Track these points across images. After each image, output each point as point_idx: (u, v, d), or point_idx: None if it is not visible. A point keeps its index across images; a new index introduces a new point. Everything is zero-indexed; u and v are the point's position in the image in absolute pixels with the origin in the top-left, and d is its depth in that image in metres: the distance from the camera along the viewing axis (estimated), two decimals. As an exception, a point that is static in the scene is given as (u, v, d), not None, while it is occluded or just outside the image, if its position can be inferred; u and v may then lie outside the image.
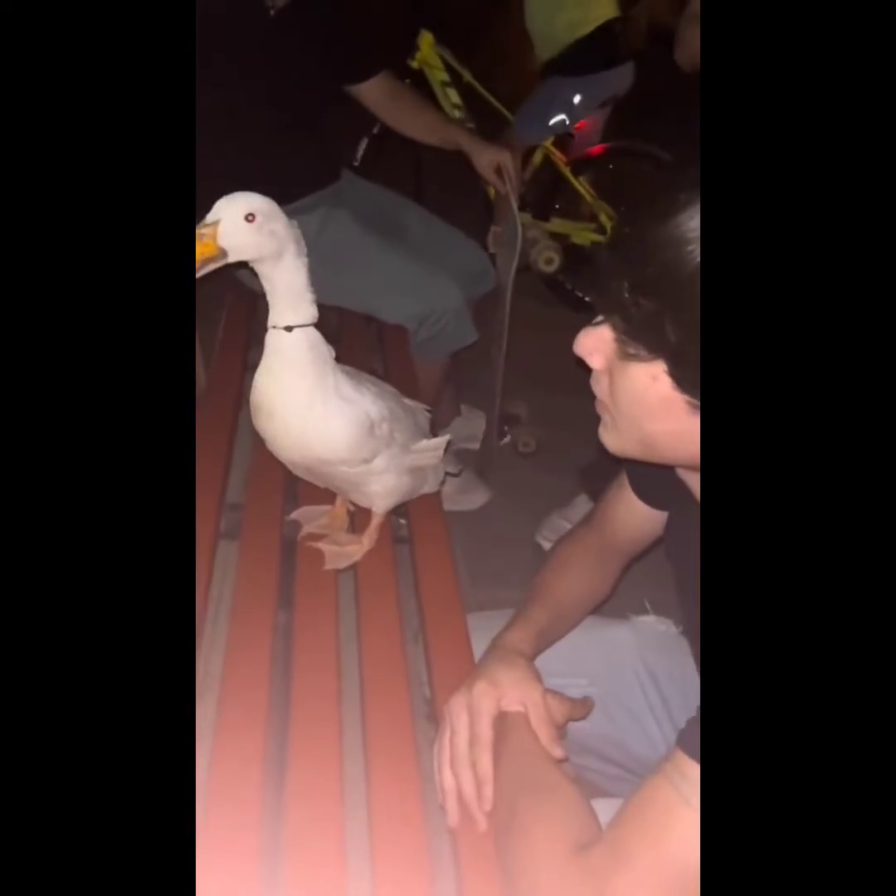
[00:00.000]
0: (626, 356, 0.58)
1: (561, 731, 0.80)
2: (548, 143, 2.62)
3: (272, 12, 1.48)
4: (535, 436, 2.10)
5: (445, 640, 0.89)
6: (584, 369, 0.64)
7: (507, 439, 2.10)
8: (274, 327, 0.82)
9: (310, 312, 0.83)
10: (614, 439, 0.66)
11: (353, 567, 0.97)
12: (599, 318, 0.61)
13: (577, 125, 2.58)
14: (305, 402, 0.83)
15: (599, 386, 0.63)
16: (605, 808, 0.63)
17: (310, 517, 1.03)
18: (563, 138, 2.63)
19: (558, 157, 2.62)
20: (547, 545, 1.81)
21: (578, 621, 0.91)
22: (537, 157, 2.66)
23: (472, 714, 0.72)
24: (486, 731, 0.71)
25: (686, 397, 0.56)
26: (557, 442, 2.09)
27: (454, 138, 1.72)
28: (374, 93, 1.71)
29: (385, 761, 0.76)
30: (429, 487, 1.04)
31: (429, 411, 1.06)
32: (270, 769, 0.75)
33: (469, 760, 0.70)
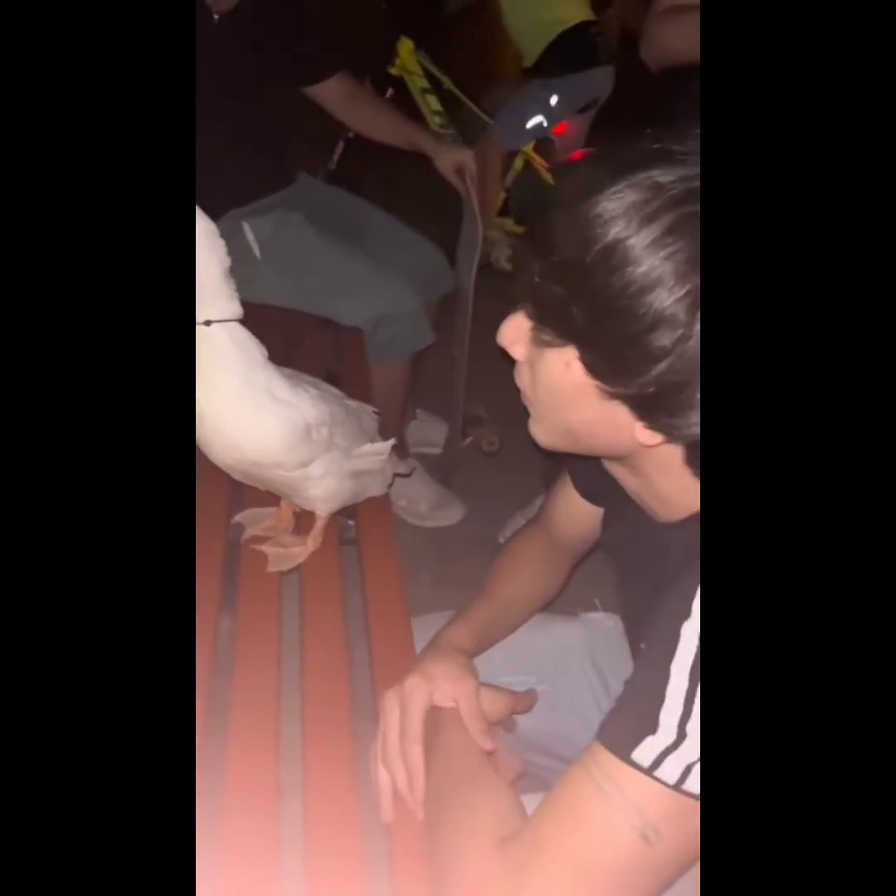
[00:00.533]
0: (541, 343, 0.58)
1: (507, 725, 0.80)
2: (528, 148, 2.62)
3: (216, 17, 1.48)
4: (499, 434, 2.10)
5: (390, 643, 0.89)
6: (510, 361, 0.64)
7: (468, 440, 2.09)
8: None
9: (230, 308, 0.80)
10: (541, 432, 0.66)
11: (298, 569, 0.96)
12: (518, 306, 0.61)
13: (556, 130, 2.57)
14: (235, 402, 0.81)
15: (521, 377, 0.63)
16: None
17: (254, 520, 1.02)
18: (544, 143, 2.63)
19: (539, 162, 2.62)
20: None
21: (525, 619, 0.91)
22: (518, 163, 2.67)
23: (403, 707, 0.72)
24: (416, 723, 0.71)
25: (598, 383, 0.56)
26: (519, 441, 2.09)
27: (415, 139, 1.72)
28: (330, 95, 1.71)
29: (322, 765, 0.76)
30: (376, 491, 1.03)
31: (376, 413, 1.06)
32: (208, 774, 0.75)
33: (400, 753, 0.70)
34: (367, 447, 0.96)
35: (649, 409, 0.55)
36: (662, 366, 0.51)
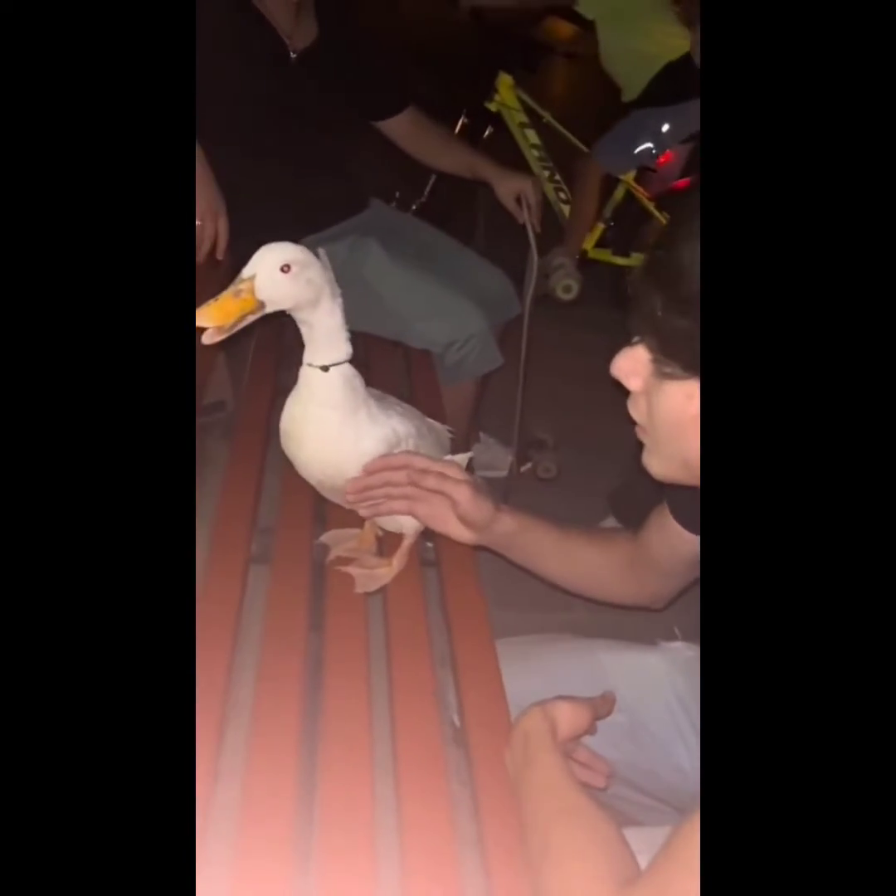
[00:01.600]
0: (661, 376, 0.59)
1: (590, 730, 0.79)
2: (629, 177, 2.61)
3: (293, 56, 1.53)
4: (556, 461, 2.10)
5: (474, 665, 0.89)
6: (622, 392, 0.65)
7: (528, 465, 2.10)
8: (310, 365, 0.84)
9: (345, 350, 0.85)
10: (656, 463, 0.66)
11: (383, 590, 0.98)
12: (636, 339, 0.62)
13: (659, 160, 2.56)
14: (336, 432, 0.85)
15: (637, 409, 0.64)
16: (634, 838, 0.63)
17: (338, 540, 1.04)
18: (644, 173, 2.62)
19: (641, 192, 2.62)
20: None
21: (564, 577, 0.94)
22: (619, 193, 2.66)
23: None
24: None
25: None
26: (580, 466, 2.09)
27: (477, 167, 1.75)
28: (399, 128, 1.75)
29: (415, 786, 0.77)
30: None
31: (451, 432, 1.07)
32: (302, 793, 0.76)
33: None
34: (449, 459, 0.98)
35: None
36: None
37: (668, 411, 0.60)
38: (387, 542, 1.04)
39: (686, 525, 0.86)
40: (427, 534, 1.09)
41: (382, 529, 1.03)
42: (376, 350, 1.59)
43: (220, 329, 0.74)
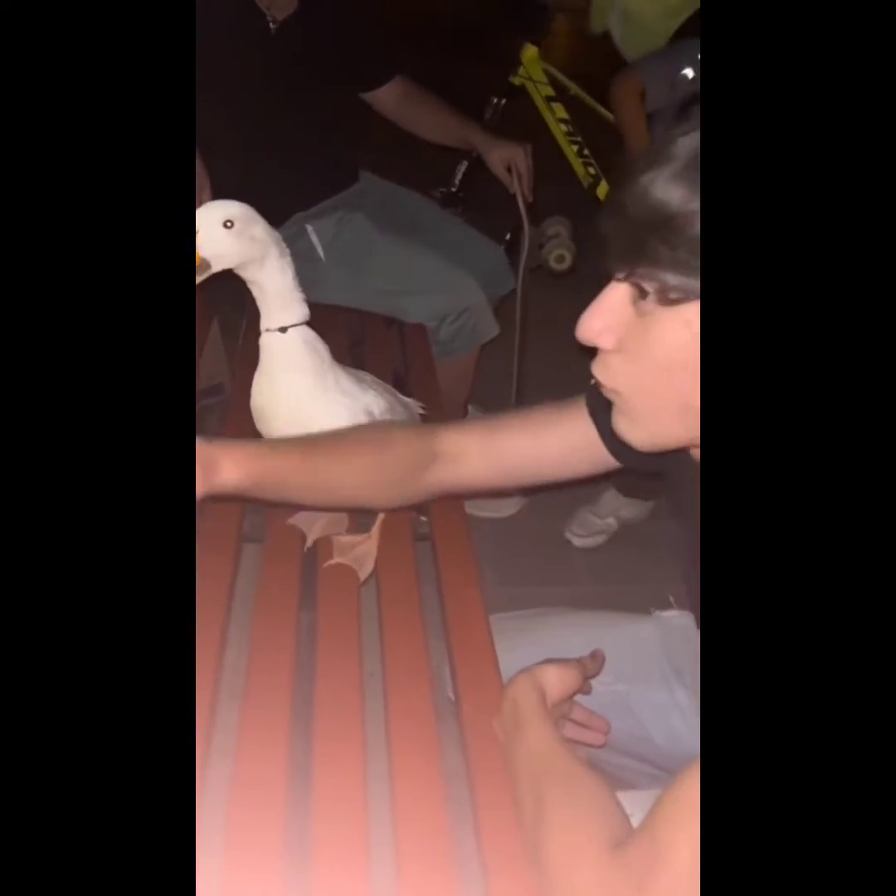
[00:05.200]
0: (651, 310, 0.55)
1: (584, 689, 0.79)
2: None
3: (273, 27, 1.50)
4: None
5: (468, 639, 0.89)
6: (590, 358, 0.61)
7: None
8: (267, 330, 0.83)
9: (301, 311, 0.84)
10: (644, 428, 0.61)
11: (375, 566, 0.97)
12: (619, 275, 0.58)
13: None
14: (307, 399, 0.84)
15: (609, 370, 0.60)
16: (628, 800, 0.62)
17: (309, 520, 1.03)
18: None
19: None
20: (577, 541, 1.80)
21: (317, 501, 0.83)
22: None
23: None
24: None
25: None
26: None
27: (468, 136, 1.72)
28: (387, 99, 1.72)
29: (409, 760, 0.76)
30: None
31: (423, 409, 1.07)
32: (295, 768, 0.76)
33: None
34: None
35: None
36: None
37: (665, 349, 0.56)
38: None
39: (610, 444, 0.77)
40: (420, 507, 1.08)
41: None
42: (370, 329, 1.58)
43: None
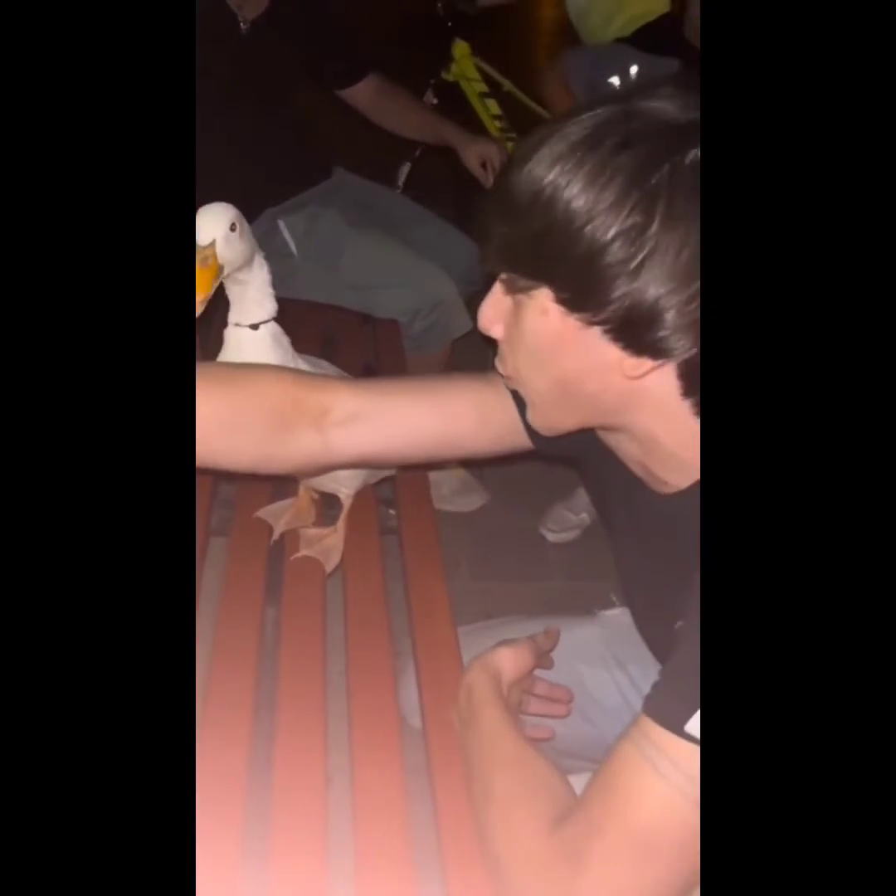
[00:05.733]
0: (517, 303, 0.58)
1: (544, 664, 0.81)
2: None
3: (244, 26, 1.49)
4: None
5: (433, 634, 0.89)
6: (494, 350, 0.63)
7: None
8: (237, 325, 0.83)
9: (272, 308, 0.84)
10: (538, 413, 0.64)
11: (341, 559, 0.97)
12: (500, 277, 0.60)
13: None
14: None
15: (503, 361, 0.63)
16: (580, 783, 0.62)
17: (275, 513, 1.02)
18: None
19: None
20: (551, 536, 1.80)
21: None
22: None
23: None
24: None
25: (575, 318, 0.55)
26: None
27: (442, 133, 1.72)
28: (362, 96, 1.72)
29: (370, 755, 0.76)
30: (391, 470, 1.05)
31: None
32: (256, 762, 0.75)
33: None
34: None
35: (628, 329, 0.54)
36: (627, 281, 0.52)
37: (530, 337, 0.58)
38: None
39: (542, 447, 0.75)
40: (388, 500, 1.08)
41: (317, 492, 1.02)
42: (343, 325, 1.57)
43: (202, 302, 0.73)
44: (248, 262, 0.80)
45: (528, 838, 0.57)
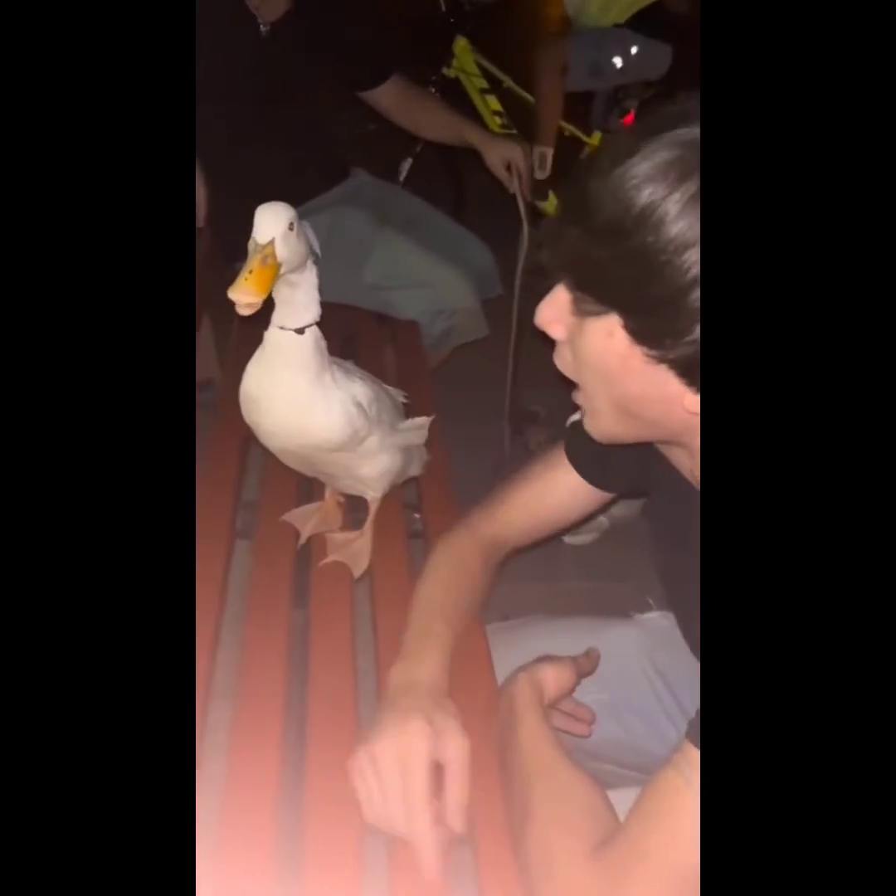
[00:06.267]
0: (582, 316, 0.57)
1: (583, 675, 0.80)
2: (594, 139, 2.55)
3: (264, 28, 1.49)
4: (549, 434, 2.08)
5: (462, 637, 0.88)
6: (550, 347, 0.63)
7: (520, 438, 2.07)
8: (282, 328, 0.81)
9: (317, 311, 0.82)
10: (596, 422, 0.64)
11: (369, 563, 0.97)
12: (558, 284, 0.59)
13: (625, 119, 2.49)
14: (307, 397, 0.83)
15: (563, 360, 0.62)
16: (619, 798, 0.62)
17: (302, 516, 1.02)
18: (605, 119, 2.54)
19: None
20: (568, 539, 1.80)
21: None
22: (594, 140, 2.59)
23: (404, 766, 0.66)
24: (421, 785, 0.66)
25: (643, 349, 0.54)
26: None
27: (466, 134, 1.71)
28: (385, 97, 1.71)
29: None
30: (415, 470, 1.04)
31: (406, 398, 1.07)
32: (287, 768, 0.75)
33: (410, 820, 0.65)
34: (411, 421, 0.99)
35: (696, 371, 0.53)
36: None
37: (592, 353, 0.58)
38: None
39: (585, 473, 0.84)
40: (413, 504, 1.08)
41: (343, 496, 1.02)
42: (362, 325, 1.57)
43: (257, 303, 0.70)
44: (303, 264, 0.79)
45: (567, 862, 0.57)
